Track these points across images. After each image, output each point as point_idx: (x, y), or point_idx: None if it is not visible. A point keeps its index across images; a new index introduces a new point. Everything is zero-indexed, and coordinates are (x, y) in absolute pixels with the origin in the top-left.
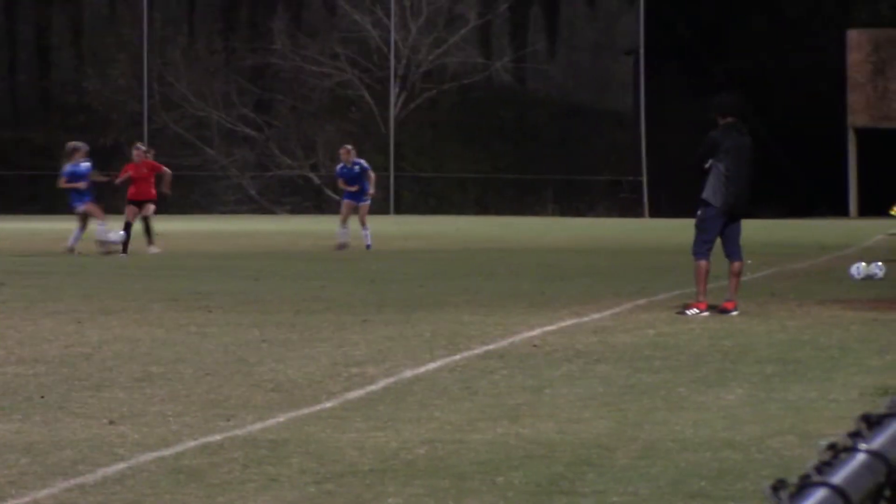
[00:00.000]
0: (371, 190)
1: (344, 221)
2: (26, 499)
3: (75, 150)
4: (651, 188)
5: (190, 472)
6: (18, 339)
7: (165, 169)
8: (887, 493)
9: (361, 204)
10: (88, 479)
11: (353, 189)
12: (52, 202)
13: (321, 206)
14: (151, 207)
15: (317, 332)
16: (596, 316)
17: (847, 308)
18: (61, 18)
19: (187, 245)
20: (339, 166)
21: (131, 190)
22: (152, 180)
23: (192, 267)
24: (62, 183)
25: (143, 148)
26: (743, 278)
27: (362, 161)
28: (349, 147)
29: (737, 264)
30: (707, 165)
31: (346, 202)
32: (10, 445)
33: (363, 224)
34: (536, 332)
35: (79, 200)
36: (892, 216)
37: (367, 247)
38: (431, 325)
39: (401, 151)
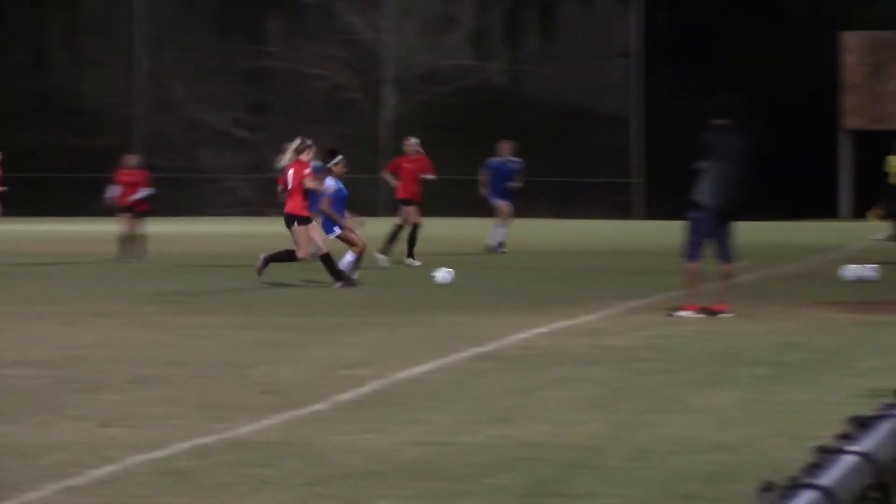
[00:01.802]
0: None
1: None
2: (16, 501)
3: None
4: (645, 190)
5: (181, 474)
6: (10, 342)
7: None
8: (875, 494)
9: (507, 203)
10: (79, 481)
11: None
12: (43, 206)
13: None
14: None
15: (309, 335)
16: (588, 318)
17: (839, 310)
18: (56, 21)
19: (179, 247)
20: (494, 160)
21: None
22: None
23: (184, 269)
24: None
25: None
26: (735, 280)
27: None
28: (508, 142)
29: (729, 266)
30: (699, 167)
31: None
32: (1, 448)
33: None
34: (528, 333)
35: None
36: (869, 219)
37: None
38: (423, 328)
39: (394, 154)
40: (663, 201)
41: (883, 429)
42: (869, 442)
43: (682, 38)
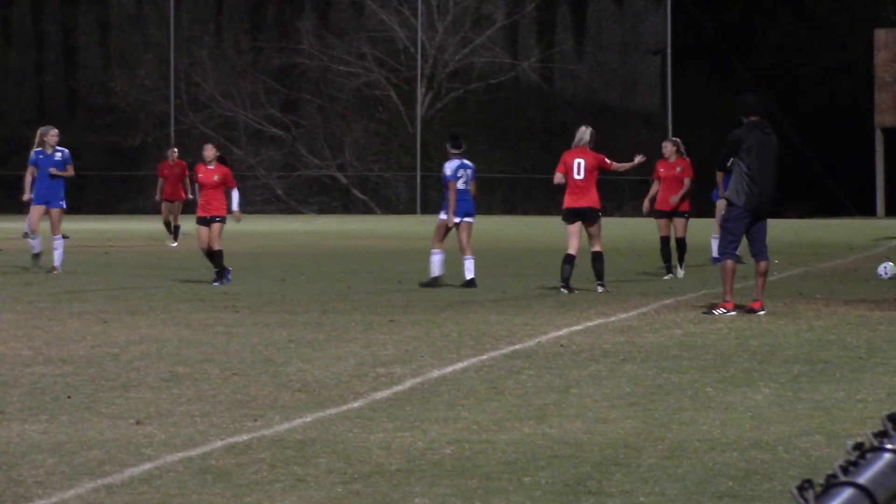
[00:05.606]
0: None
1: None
2: (53, 499)
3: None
4: None
5: (217, 473)
6: (45, 340)
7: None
8: None
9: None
10: (115, 479)
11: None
12: (77, 203)
13: (348, 205)
14: None
15: (343, 333)
16: (622, 316)
17: (874, 308)
18: (88, 18)
19: None
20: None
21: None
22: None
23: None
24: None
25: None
26: (770, 278)
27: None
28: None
29: (763, 264)
30: (730, 164)
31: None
32: (37, 446)
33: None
34: (563, 331)
35: None
36: None
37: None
38: (458, 326)
39: (427, 151)
40: (695, 199)
41: None
42: None
43: (714, 35)
